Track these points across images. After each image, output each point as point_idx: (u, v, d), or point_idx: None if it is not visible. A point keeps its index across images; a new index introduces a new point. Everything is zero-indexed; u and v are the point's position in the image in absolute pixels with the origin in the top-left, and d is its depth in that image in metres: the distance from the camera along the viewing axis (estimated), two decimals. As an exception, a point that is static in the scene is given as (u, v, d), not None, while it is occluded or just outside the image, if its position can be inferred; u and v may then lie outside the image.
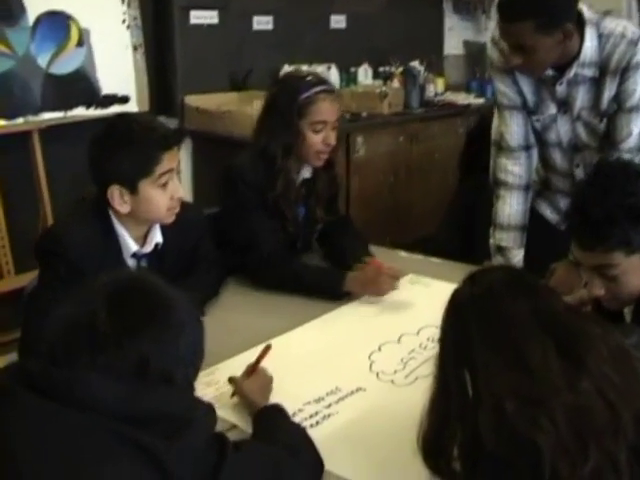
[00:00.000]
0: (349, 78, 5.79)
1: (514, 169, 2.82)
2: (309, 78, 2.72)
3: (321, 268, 2.84)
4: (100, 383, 1.26)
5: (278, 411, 1.82)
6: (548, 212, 3.04)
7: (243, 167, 2.75)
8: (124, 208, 2.24)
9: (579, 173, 2.85)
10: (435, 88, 6.13)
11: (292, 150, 2.70)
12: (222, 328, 2.41)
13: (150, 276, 1.44)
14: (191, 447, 1.29)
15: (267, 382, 1.98)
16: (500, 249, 2.85)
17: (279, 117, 2.67)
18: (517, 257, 2.85)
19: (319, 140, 2.70)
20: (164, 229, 2.39)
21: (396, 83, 5.72)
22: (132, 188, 2.22)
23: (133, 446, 1.23)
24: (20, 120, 4.10)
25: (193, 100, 4.97)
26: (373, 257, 2.73)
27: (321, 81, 2.73)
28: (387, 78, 5.80)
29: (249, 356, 2.15)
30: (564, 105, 2.70)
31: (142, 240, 2.37)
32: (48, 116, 4.20)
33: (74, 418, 1.24)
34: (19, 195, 4.23)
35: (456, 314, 1.54)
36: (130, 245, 2.32)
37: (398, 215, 5.54)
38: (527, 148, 2.83)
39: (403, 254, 3.16)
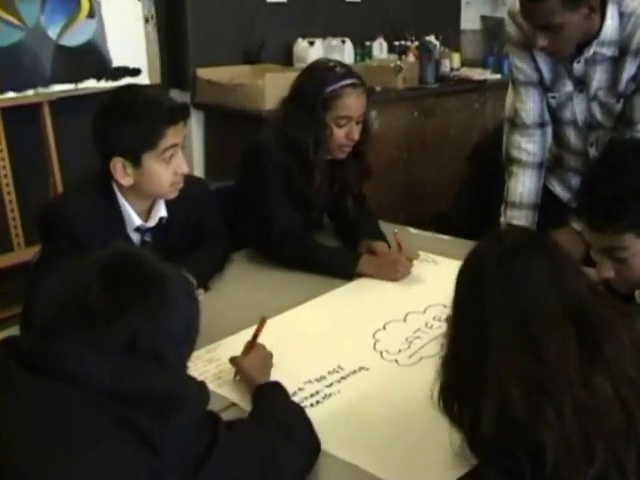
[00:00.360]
0: (364, 52, 5.74)
1: (528, 147, 2.78)
2: (337, 69, 2.64)
3: (335, 248, 2.82)
4: (90, 359, 1.23)
5: (276, 388, 1.80)
6: (559, 189, 2.98)
7: (270, 145, 2.70)
8: (127, 181, 2.21)
9: (593, 152, 2.80)
10: (451, 63, 6.08)
11: (323, 144, 2.66)
12: (226, 303, 2.39)
13: (144, 251, 1.42)
14: (182, 427, 1.26)
15: (266, 358, 1.96)
16: (509, 227, 2.79)
17: (305, 108, 2.61)
18: None
19: (342, 134, 2.65)
20: (168, 203, 2.35)
21: (411, 58, 5.67)
22: (135, 161, 2.19)
23: (123, 424, 1.21)
24: (30, 92, 4.09)
25: (205, 73, 4.92)
26: (397, 235, 2.68)
27: (349, 73, 2.65)
28: (402, 52, 5.75)
29: (252, 333, 2.13)
30: (580, 84, 2.65)
31: (146, 214, 2.35)
32: (58, 88, 4.19)
33: (65, 394, 1.22)
34: (29, 168, 4.21)
35: (477, 271, 1.46)
36: (134, 219, 2.29)
37: (412, 191, 5.52)
38: (542, 125, 2.78)
39: (412, 230, 3.11)
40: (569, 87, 2.67)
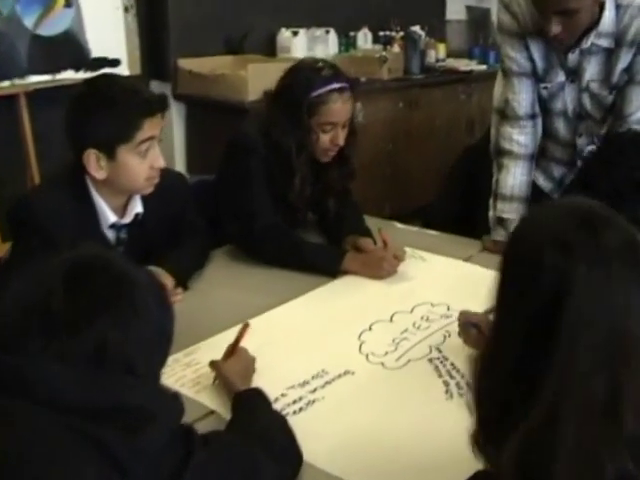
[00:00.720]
0: (348, 42, 5.65)
1: (520, 138, 2.73)
2: (324, 72, 2.53)
3: (320, 245, 2.73)
4: (54, 371, 1.13)
5: (257, 396, 1.71)
6: (541, 180, 2.94)
7: (254, 139, 2.61)
8: (100, 174, 2.12)
9: (581, 143, 2.78)
10: (436, 54, 6.01)
11: (306, 148, 2.57)
12: (206, 303, 2.31)
13: (113, 253, 1.32)
14: (154, 443, 1.17)
15: (248, 363, 1.86)
16: (501, 221, 2.76)
17: (289, 111, 2.52)
18: (508, 228, 2.75)
19: (327, 140, 2.57)
20: (145, 198, 2.26)
21: (396, 48, 5.59)
22: (109, 153, 2.10)
23: (89, 442, 1.11)
24: (6, 83, 3.97)
25: (186, 63, 4.82)
26: (382, 232, 2.59)
27: (336, 76, 2.55)
28: (387, 43, 5.68)
29: (232, 335, 2.03)
30: (572, 74, 2.62)
31: (121, 210, 2.25)
32: (35, 79, 4.07)
33: (25, 411, 1.12)
34: (6, 160, 4.10)
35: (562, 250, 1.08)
36: (108, 215, 2.20)
37: (397, 183, 5.47)
38: (534, 117, 2.74)
39: (398, 225, 3.03)
40: (561, 77, 2.65)
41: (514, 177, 2.75)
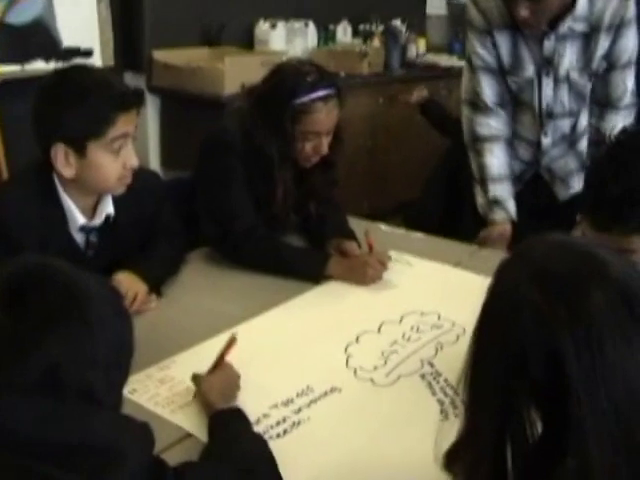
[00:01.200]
0: (327, 36, 5.57)
1: (495, 123, 2.79)
2: (309, 78, 2.37)
3: (302, 248, 2.59)
4: (4, 405, 1.00)
5: (236, 417, 1.58)
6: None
7: (232, 137, 2.46)
8: (68, 172, 1.97)
9: (546, 143, 2.81)
10: (417, 49, 5.95)
11: (289, 158, 2.44)
12: (181, 312, 2.17)
13: (59, 263, 1.15)
14: None
15: (231, 380, 1.72)
16: (497, 202, 2.76)
17: (272, 118, 2.38)
18: (513, 208, 2.78)
19: (309, 147, 2.43)
20: (116, 199, 2.12)
21: (376, 42, 5.53)
22: (79, 149, 1.95)
23: None
24: (-28, 73, 3.82)
25: (161, 55, 4.70)
26: (367, 234, 2.46)
27: (322, 80, 2.39)
28: (367, 37, 5.63)
29: (210, 346, 1.90)
30: (548, 65, 2.62)
31: (91, 211, 2.11)
32: (3, 69, 3.92)
33: None
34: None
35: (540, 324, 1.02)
36: (76, 217, 2.05)
37: (376, 180, 5.41)
38: (503, 105, 2.78)
39: (383, 227, 2.90)
40: (530, 72, 2.66)
41: (498, 158, 2.78)
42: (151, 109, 4.81)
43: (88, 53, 4.27)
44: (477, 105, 2.77)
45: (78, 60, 4.17)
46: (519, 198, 2.83)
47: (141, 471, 1.07)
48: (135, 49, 4.70)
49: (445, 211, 3.76)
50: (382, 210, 5.18)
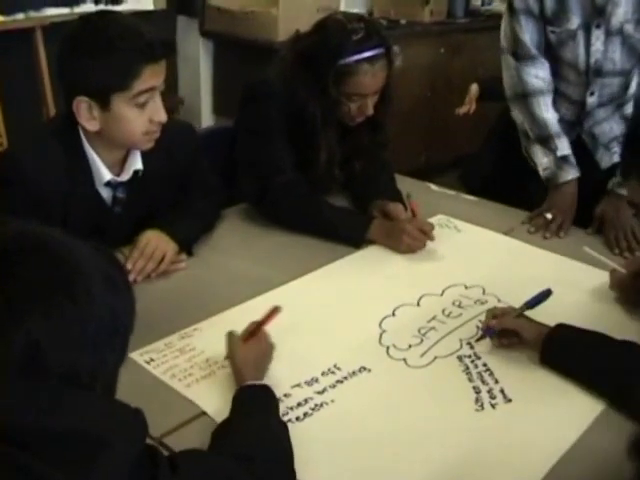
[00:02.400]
0: (389, -19, 5.30)
1: (541, 74, 2.53)
2: (355, 36, 2.20)
3: (345, 209, 2.44)
4: None
5: (263, 396, 1.47)
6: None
7: (275, 89, 2.33)
8: (92, 125, 1.85)
9: (591, 102, 2.55)
10: (482, -4, 5.69)
11: (332, 119, 2.30)
12: (211, 275, 2.07)
13: (51, 231, 1.03)
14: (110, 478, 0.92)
15: (266, 351, 1.61)
16: (567, 159, 2.51)
17: (315, 77, 2.23)
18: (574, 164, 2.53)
19: (354, 108, 2.29)
20: (145, 153, 2.00)
21: (440, -12, 5.26)
22: (103, 102, 1.82)
23: (25, 476, 0.87)
24: (21, 16, 3.75)
25: (216, -1, 4.53)
26: (410, 199, 2.30)
27: (370, 40, 2.22)
28: (430, -18, 5.33)
29: (238, 313, 1.80)
30: (599, 15, 2.37)
31: (119, 166, 2.00)
32: (52, 12, 3.86)
33: None
34: (21, 98, 3.91)
35: None
36: (103, 172, 1.95)
37: (434, 133, 5.30)
38: (544, 56, 2.54)
39: (433, 187, 2.75)
40: (574, 24, 2.41)
41: (552, 113, 2.56)
42: (204, 54, 4.70)
43: (139, -5, 4.15)
44: (521, 54, 2.53)
45: (129, 2, 4.06)
46: None
47: (128, 463, 0.95)
48: (188, -8, 4.57)
49: (503, 168, 3.60)
50: (440, 164, 5.02)
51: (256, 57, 4.24)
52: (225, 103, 4.68)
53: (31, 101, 3.89)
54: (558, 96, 2.61)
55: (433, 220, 2.37)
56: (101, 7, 3.95)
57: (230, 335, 1.61)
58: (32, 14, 3.76)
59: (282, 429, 1.41)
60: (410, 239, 2.19)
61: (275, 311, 1.64)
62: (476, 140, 4.33)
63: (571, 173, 2.48)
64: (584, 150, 2.64)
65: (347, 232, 2.26)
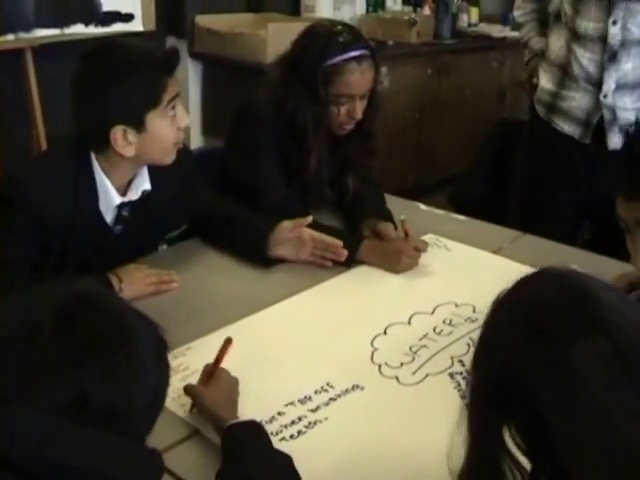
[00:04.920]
0: (376, 2, 5.41)
1: None
2: (341, 38, 2.27)
3: (335, 229, 2.42)
4: (18, 420, 0.90)
5: (255, 432, 1.44)
6: (566, 127, 2.76)
7: (263, 108, 2.38)
8: (128, 151, 1.91)
9: (615, 31, 2.55)
10: (469, 18, 5.79)
11: (323, 124, 2.33)
12: (201, 294, 2.07)
13: (109, 293, 1.06)
14: None
15: (231, 388, 1.58)
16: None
17: (304, 82, 2.28)
18: None
19: (343, 112, 2.32)
20: (150, 174, 2.06)
21: (427, 10, 5.39)
22: (138, 124, 1.89)
23: None
24: (11, 37, 3.77)
25: (204, 20, 4.60)
26: (404, 222, 2.30)
27: (355, 41, 2.29)
28: (417, 5, 5.47)
29: (229, 333, 1.78)
30: None
31: (125, 188, 2.04)
32: (42, 33, 3.87)
33: None
34: (10, 120, 3.92)
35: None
36: (112, 196, 1.99)
37: (423, 153, 5.30)
38: None
39: (423, 207, 2.77)
40: None
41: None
42: (192, 75, 4.72)
43: (129, 17, 4.17)
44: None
45: (118, 24, 4.08)
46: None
47: None
48: (178, 14, 4.61)
49: (490, 192, 3.64)
50: (428, 184, 5.05)
51: (245, 78, 4.28)
52: (214, 124, 4.70)
53: (20, 123, 3.90)
54: (577, 40, 2.66)
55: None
56: (91, 29, 3.98)
57: (189, 387, 1.58)
58: (22, 35, 3.77)
59: (288, 462, 1.37)
60: (408, 259, 2.21)
61: (227, 345, 1.61)
62: (463, 161, 4.39)
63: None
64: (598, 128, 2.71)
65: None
